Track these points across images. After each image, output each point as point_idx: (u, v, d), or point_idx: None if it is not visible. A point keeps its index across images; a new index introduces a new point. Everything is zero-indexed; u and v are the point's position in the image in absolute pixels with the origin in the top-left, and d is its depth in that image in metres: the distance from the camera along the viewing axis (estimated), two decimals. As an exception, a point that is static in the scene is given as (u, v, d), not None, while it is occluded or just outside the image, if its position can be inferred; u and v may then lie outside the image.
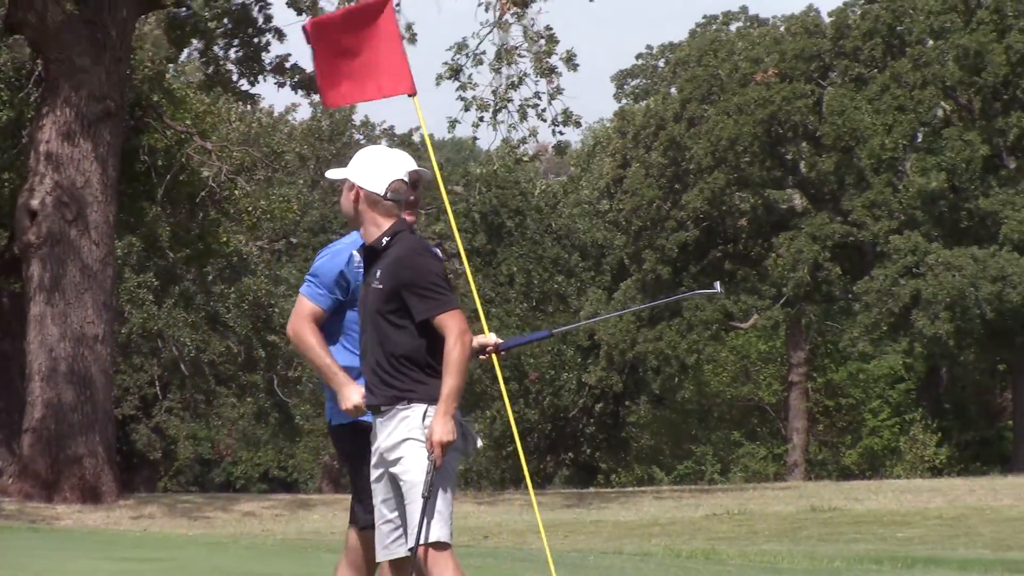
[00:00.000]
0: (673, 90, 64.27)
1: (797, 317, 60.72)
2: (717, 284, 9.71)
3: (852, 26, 60.11)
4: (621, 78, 69.29)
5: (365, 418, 8.99)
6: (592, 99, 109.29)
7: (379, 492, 8.84)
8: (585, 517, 34.77)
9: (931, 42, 58.56)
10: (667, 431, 71.08)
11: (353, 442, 9.23)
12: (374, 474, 8.79)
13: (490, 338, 9.26)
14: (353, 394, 8.98)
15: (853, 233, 57.58)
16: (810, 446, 64.53)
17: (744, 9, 66.26)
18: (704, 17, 67.00)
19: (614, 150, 65.61)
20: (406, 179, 9.09)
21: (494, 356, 9.29)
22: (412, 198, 9.16)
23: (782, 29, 62.31)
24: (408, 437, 8.72)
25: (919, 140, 60.14)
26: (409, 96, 10.20)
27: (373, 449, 8.82)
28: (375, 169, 9.18)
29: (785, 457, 63.79)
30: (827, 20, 61.05)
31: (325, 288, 9.34)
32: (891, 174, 58.28)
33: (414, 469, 8.58)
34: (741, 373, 69.02)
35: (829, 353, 68.79)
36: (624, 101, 68.86)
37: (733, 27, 66.21)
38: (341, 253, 9.41)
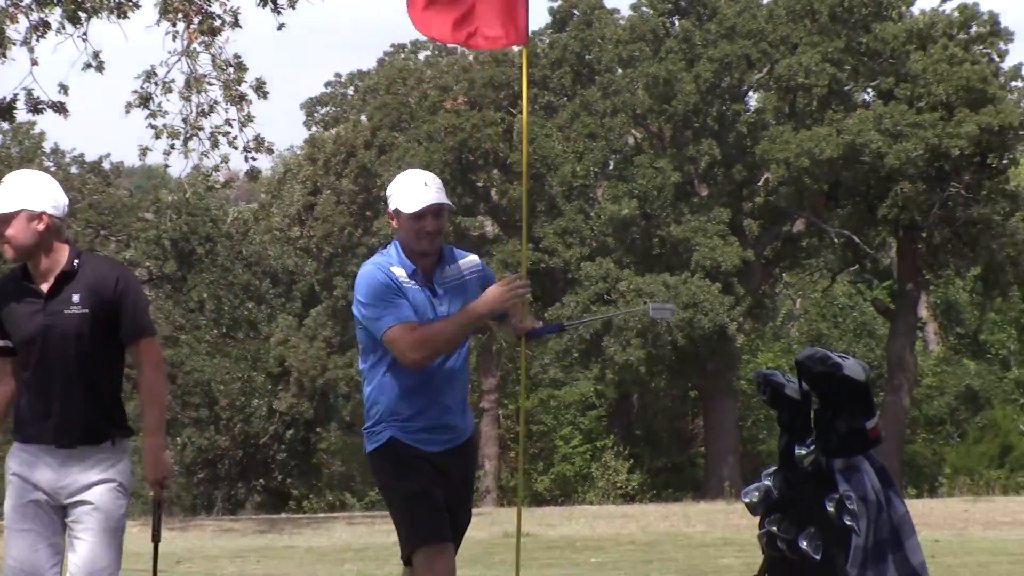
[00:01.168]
0: (363, 117, 64.22)
1: (488, 344, 60.90)
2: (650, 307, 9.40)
3: (541, 55, 60.57)
4: (311, 105, 69.21)
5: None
6: (283, 126, 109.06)
7: None
8: (278, 543, 34.67)
9: (620, 71, 59.24)
10: (358, 457, 70.80)
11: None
12: None
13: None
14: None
15: (545, 260, 57.89)
16: (502, 472, 64.74)
17: (433, 38, 66.61)
18: (392, 46, 67.31)
19: (305, 177, 65.39)
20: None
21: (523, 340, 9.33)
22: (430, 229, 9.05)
23: (471, 58, 62.54)
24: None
25: (610, 167, 60.70)
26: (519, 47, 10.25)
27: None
28: (54, 192, 8.96)
29: (478, 484, 63.91)
30: (516, 49, 61.14)
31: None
32: (583, 201, 58.75)
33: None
34: (433, 400, 69.04)
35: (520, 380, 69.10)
36: (314, 128, 68.78)
37: (422, 55, 66.54)
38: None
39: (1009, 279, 61.19)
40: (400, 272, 8.90)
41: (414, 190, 8.90)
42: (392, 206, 9.02)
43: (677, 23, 59.86)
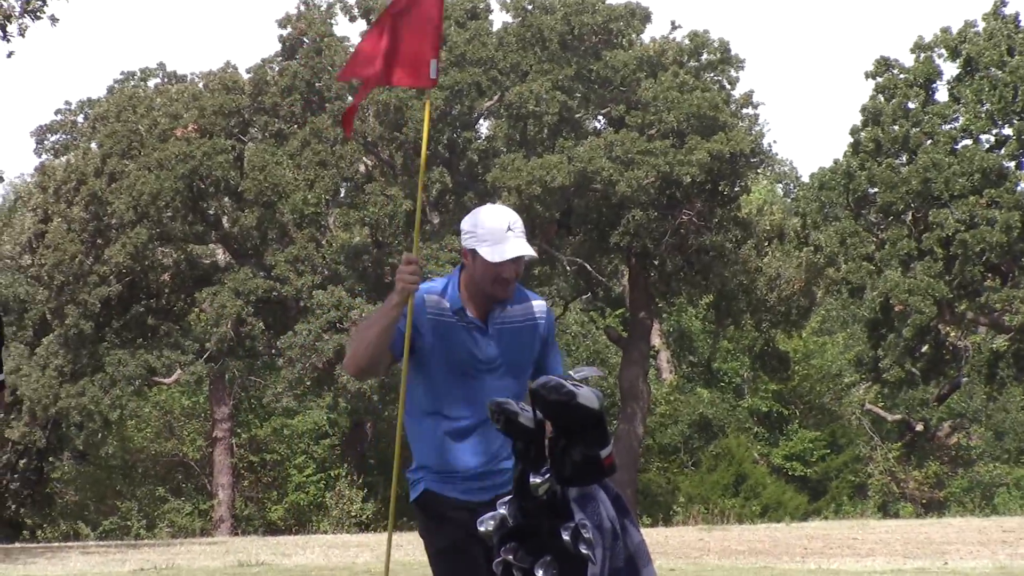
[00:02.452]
0: (93, 145, 63.60)
1: (221, 372, 60.48)
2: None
3: (271, 82, 60.36)
4: (41, 133, 68.42)
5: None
6: (13, 154, 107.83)
7: None
8: (12, 572, 34.17)
9: (350, 98, 59.25)
10: (91, 486, 70.17)
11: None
12: None
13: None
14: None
15: (276, 288, 57.67)
16: (236, 501, 64.33)
17: (162, 65, 66.33)
18: (122, 73, 66.95)
19: (35, 205, 64.67)
20: None
21: None
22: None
23: (201, 85, 62.20)
24: None
25: (342, 195, 60.63)
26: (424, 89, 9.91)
27: None
28: None
29: (211, 512, 63.47)
30: (246, 76, 61.20)
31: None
32: (314, 229, 58.62)
33: None
34: (165, 428, 68.47)
35: (253, 408, 68.80)
36: (44, 156, 68.01)
37: (152, 83, 66.17)
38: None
39: (741, 307, 62.10)
40: (441, 304, 8.54)
41: (499, 236, 8.38)
42: (470, 246, 8.50)
43: (409, 51, 59.81)
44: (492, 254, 8.32)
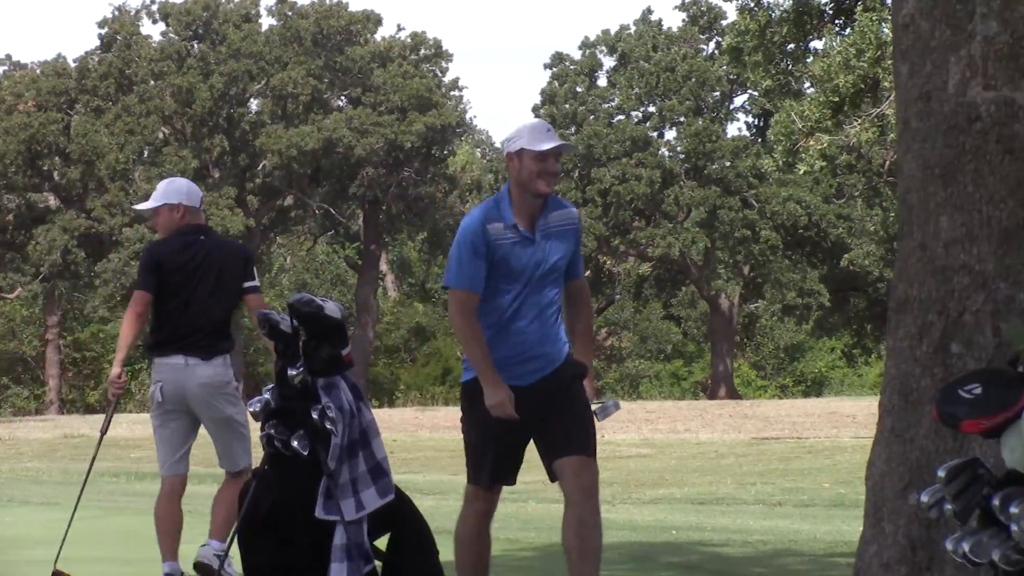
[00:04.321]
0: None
1: (52, 290, 59.41)
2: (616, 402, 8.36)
3: (92, 69, 59.15)
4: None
5: None
6: None
7: None
8: None
9: (153, 82, 58.40)
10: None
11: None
12: None
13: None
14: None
15: (95, 226, 56.65)
16: (63, 388, 63.19)
17: (8, 56, 64.74)
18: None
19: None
20: None
21: None
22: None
23: (38, 71, 60.71)
24: None
25: (146, 156, 59.60)
26: None
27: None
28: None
29: (44, 396, 62.28)
30: (73, 65, 59.99)
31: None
32: (124, 181, 57.62)
33: None
34: (8, 332, 66.84)
35: (76, 317, 67.52)
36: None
37: (0, 69, 64.55)
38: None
39: (448, 241, 62.29)
40: (497, 227, 7.45)
41: (541, 133, 7.50)
42: (516, 146, 7.48)
43: (196, 46, 59.21)
44: (539, 144, 7.44)
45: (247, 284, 9.27)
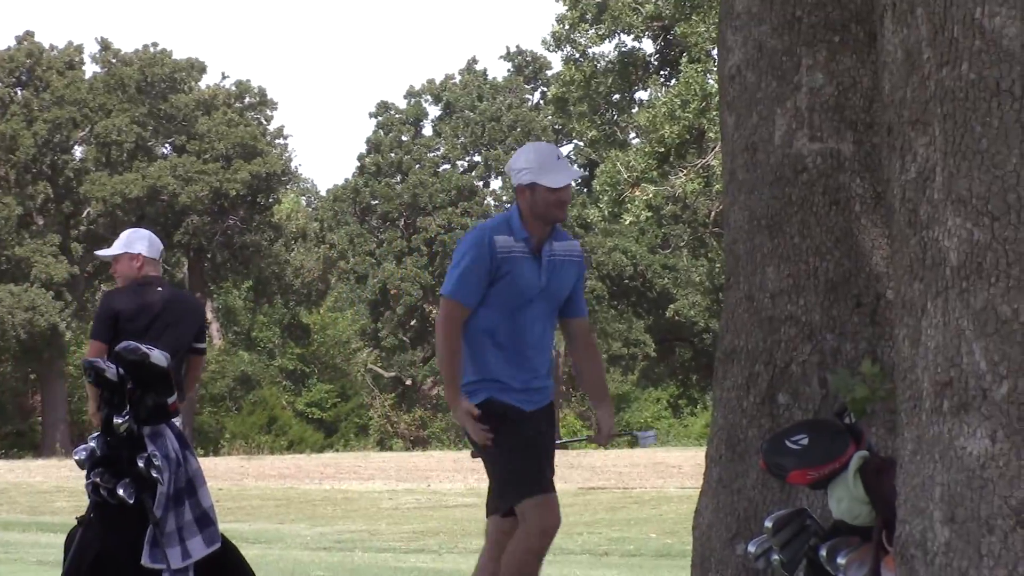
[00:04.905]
0: None
1: None
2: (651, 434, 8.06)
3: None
4: None
5: None
6: None
7: None
8: None
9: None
10: None
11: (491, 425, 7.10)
12: None
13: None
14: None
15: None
16: None
17: None
18: None
19: None
20: None
21: None
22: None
23: None
24: None
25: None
26: None
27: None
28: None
29: None
30: None
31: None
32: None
33: None
34: None
35: None
36: None
37: None
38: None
39: (273, 289, 61.90)
40: (506, 240, 7.15)
41: (551, 164, 7.22)
42: (527, 179, 7.18)
43: (20, 92, 58.28)
44: (553, 181, 7.14)
45: (197, 344, 9.16)
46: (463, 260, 7.20)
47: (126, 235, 9.40)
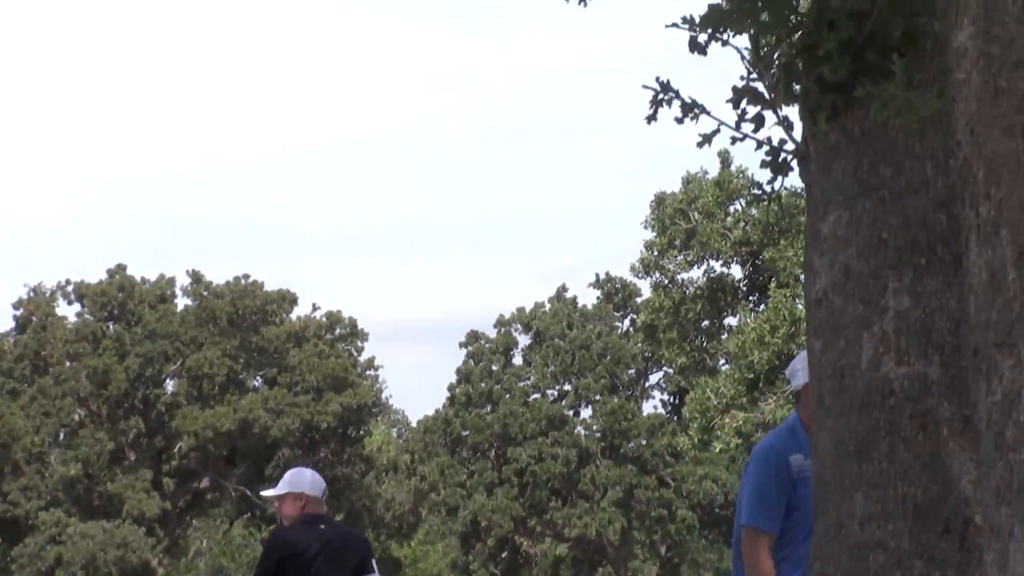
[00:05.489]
0: None
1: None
2: None
3: (6, 351, 58.92)
4: None
5: None
6: None
7: None
8: None
9: (68, 363, 58.15)
10: None
11: None
12: None
13: None
14: None
15: (11, 509, 55.75)
16: None
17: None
18: None
19: None
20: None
21: None
22: None
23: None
24: None
25: (61, 438, 59.05)
26: None
27: None
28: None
29: None
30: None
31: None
32: (40, 464, 56.97)
33: None
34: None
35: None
36: None
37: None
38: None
39: (364, 523, 61.72)
40: (799, 459, 6.61)
41: None
42: (805, 381, 6.77)
43: (112, 326, 59.20)
44: None
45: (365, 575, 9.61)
46: (761, 483, 6.64)
47: (290, 475, 9.87)
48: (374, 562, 9.83)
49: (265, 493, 10.29)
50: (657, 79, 6.25)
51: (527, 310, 64.71)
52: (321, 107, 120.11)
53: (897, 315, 6.05)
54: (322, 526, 9.49)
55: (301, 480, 9.68)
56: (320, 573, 9.25)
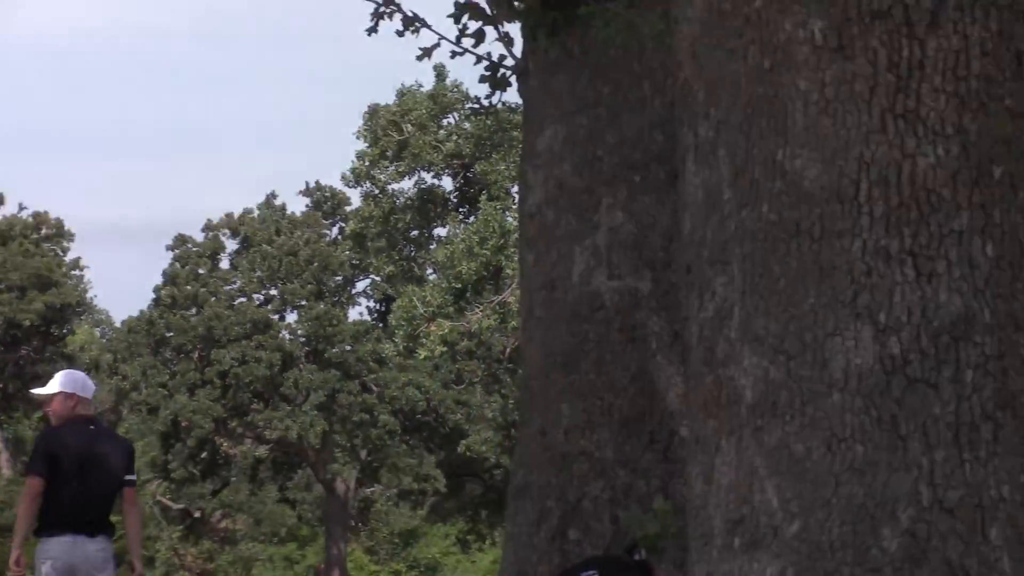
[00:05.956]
0: None
1: None
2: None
3: None
4: None
5: None
6: None
7: None
8: None
9: None
10: None
11: None
12: None
13: None
14: None
15: None
16: None
17: None
18: None
19: None
20: None
21: None
22: None
23: None
24: None
25: None
26: None
27: None
28: None
29: None
30: None
31: None
32: None
33: None
34: None
35: None
36: None
37: None
38: None
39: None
40: None
41: None
42: None
43: None
44: None
45: (127, 476, 9.87)
46: None
47: (62, 375, 10.10)
48: (135, 466, 10.10)
49: (36, 391, 10.48)
50: (380, -9, 6.13)
51: (235, 215, 63.95)
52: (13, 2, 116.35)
53: (610, 230, 6.08)
54: (91, 427, 9.77)
55: (74, 381, 9.87)
56: (88, 472, 9.54)
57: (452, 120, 43.97)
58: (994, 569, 4.05)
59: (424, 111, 44.07)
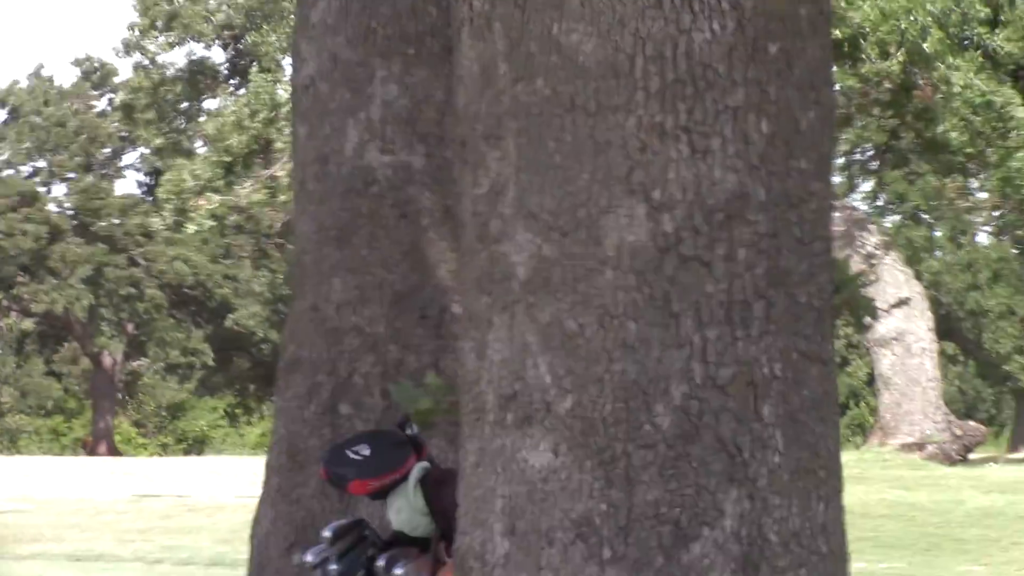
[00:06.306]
0: None
1: None
2: None
3: None
4: None
5: None
6: None
7: None
8: None
9: None
10: None
11: None
12: None
13: None
14: None
15: None
16: None
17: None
18: None
19: None
20: None
21: None
22: None
23: None
24: None
25: None
26: None
27: None
28: None
29: None
30: None
31: None
32: None
33: None
34: None
35: None
36: None
37: None
38: None
39: None
40: None
41: None
42: None
43: None
44: None
45: None
46: None
47: None
48: None
49: None
50: None
51: (3, 86, 62.35)
52: None
53: (384, 104, 5.99)
54: None
55: None
56: None
57: (223, -9, 43.21)
58: (767, 446, 4.10)
59: (195, -20, 43.22)
